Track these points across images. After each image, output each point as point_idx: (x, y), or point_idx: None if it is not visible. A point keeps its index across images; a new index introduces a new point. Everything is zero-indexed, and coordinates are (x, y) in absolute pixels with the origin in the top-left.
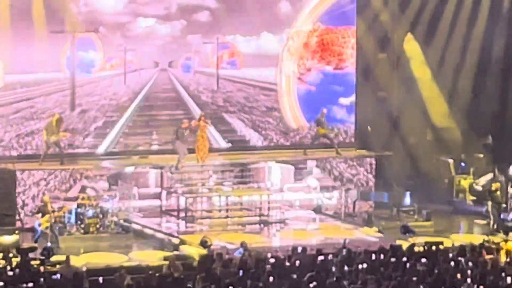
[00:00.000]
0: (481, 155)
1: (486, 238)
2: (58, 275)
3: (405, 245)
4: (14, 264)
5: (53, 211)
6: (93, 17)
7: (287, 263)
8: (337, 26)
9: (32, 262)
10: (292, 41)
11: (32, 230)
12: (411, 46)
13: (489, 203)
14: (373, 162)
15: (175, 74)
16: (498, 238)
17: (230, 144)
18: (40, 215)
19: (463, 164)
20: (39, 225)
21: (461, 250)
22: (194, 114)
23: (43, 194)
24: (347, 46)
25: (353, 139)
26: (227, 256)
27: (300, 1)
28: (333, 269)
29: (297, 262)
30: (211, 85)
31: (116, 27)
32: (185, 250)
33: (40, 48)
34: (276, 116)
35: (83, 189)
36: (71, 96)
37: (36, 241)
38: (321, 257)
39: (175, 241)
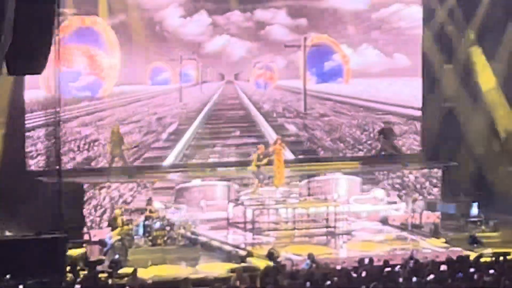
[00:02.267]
0: None
1: None
2: None
3: (472, 255)
4: (81, 277)
5: (123, 224)
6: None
7: (354, 275)
8: None
9: (100, 275)
10: None
11: (101, 243)
12: (477, 57)
13: None
14: (440, 172)
15: (241, 86)
16: None
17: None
18: (110, 228)
19: None
20: (110, 238)
21: None
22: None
23: (113, 207)
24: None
25: (419, 149)
26: (294, 268)
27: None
28: (400, 280)
29: (364, 273)
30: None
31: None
32: (252, 262)
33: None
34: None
35: (150, 202)
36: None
37: (105, 254)
38: (388, 268)
39: (242, 253)
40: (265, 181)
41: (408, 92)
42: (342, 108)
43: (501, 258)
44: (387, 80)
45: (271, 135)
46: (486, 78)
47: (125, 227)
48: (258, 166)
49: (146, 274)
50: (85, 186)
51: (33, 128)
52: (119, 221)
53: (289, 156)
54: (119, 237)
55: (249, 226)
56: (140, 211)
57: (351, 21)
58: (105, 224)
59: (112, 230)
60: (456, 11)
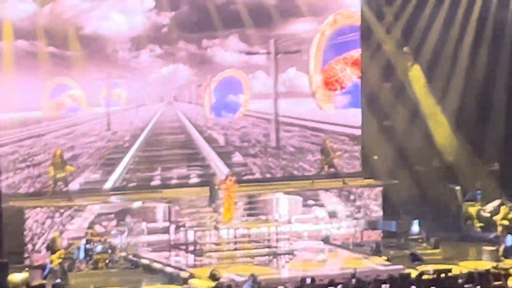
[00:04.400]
0: (487, 182)
1: (494, 264)
2: None
3: (413, 273)
4: None
5: (63, 248)
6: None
7: None
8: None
9: None
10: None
11: (42, 267)
12: (415, 74)
13: (498, 229)
14: (380, 191)
15: (180, 108)
16: (507, 264)
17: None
18: (49, 252)
19: (479, 192)
20: (50, 262)
21: (470, 277)
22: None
23: (52, 231)
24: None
25: (359, 168)
26: None
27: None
28: None
29: None
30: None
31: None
32: (194, 283)
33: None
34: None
35: (91, 225)
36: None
37: (45, 278)
38: None
39: (184, 275)
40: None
41: (348, 110)
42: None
43: (443, 275)
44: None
45: (212, 157)
46: (425, 96)
47: (63, 250)
48: (215, 201)
49: None
50: (26, 210)
51: None
52: (57, 244)
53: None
54: (58, 261)
55: (191, 247)
56: (82, 234)
57: (296, 45)
58: (45, 248)
59: (51, 254)
60: (394, 29)
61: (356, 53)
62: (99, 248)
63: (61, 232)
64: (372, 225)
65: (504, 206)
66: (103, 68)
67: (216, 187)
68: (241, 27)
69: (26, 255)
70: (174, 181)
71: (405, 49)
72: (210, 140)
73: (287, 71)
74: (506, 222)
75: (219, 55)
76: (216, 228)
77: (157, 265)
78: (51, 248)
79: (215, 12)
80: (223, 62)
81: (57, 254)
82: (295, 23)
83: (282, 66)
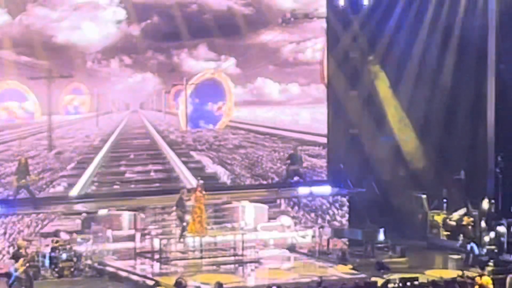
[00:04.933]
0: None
1: (460, 273)
2: None
3: (380, 281)
4: None
5: (28, 255)
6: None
7: None
8: None
9: None
10: None
11: (7, 275)
12: (381, 82)
13: (463, 237)
14: (347, 198)
15: (146, 116)
16: (473, 272)
17: (201, 181)
18: (14, 260)
19: (445, 200)
20: (15, 270)
21: (436, 285)
22: (166, 155)
23: (17, 238)
24: None
25: (325, 177)
26: None
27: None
28: None
29: None
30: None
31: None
32: None
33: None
34: (241, 153)
35: (56, 233)
36: (48, 138)
37: (10, 286)
38: None
39: (150, 283)
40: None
41: (313, 118)
42: (255, 137)
43: (408, 283)
44: (293, 108)
45: (180, 168)
46: (390, 103)
47: (29, 257)
48: (182, 211)
49: None
50: None
51: None
52: (23, 252)
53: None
54: (23, 269)
55: (156, 255)
56: (46, 242)
57: (262, 56)
58: (11, 256)
59: (16, 261)
60: (360, 38)
61: None
62: (64, 256)
63: (26, 240)
64: (338, 233)
65: (467, 216)
66: (70, 77)
67: (185, 198)
68: (210, 36)
69: None
70: (139, 189)
71: (370, 57)
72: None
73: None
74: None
75: (187, 64)
76: (182, 237)
77: (122, 273)
78: (16, 256)
79: (185, 22)
80: (191, 70)
81: (21, 261)
82: (264, 34)
83: (251, 75)
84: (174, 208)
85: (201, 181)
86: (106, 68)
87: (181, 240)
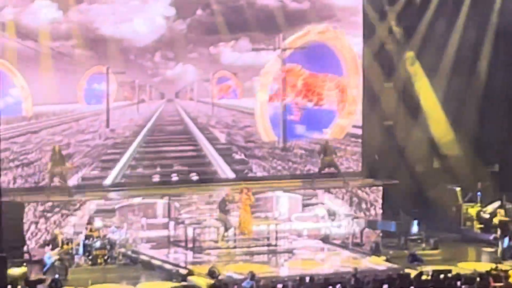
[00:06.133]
0: (488, 183)
1: (493, 266)
2: None
3: (413, 273)
4: None
5: (63, 244)
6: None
7: None
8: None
9: None
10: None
11: (40, 262)
12: (417, 74)
13: (496, 231)
14: (380, 190)
15: (182, 105)
16: (506, 265)
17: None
18: (50, 247)
19: (479, 193)
20: (49, 257)
21: (469, 278)
22: (201, 144)
23: (52, 226)
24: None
25: (360, 168)
26: (235, 287)
27: None
28: None
29: None
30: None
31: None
32: (193, 280)
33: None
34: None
35: (90, 221)
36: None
37: (45, 273)
38: (329, 287)
39: (183, 271)
40: (229, 230)
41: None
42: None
43: (442, 275)
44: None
45: (213, 155)
46: (426, 96)
47: (65, 246)
48: (225, 213)
49: None
50: (25, 205)
51: None
52: (58, 240)
53: (231, 175)
54: (58, 257)
55: (190, 244)
56: (81, 230)
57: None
58: (45, 243)
59: (52, 249)
60: (396, 28)
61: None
62: (98, 244)
63: (61, 228)
64: (371, 225)
65: (501, 209)
66: (110, 67)
67: (228, 199)
68: (251, 31)
69: (25, 250)
70: (174, 178)
71: (408, 53)
72: (211, 138)
73: None
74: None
75: (227, 56)
76: (223, 239)
77: (156, 262)
78: (52, 244)
79: (228, 16)
80: (231, 63)
81: (56, 250)
82: (301, 29)
83: None
84: (217, 211)
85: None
86: (150, 62)
87: (222, 241)
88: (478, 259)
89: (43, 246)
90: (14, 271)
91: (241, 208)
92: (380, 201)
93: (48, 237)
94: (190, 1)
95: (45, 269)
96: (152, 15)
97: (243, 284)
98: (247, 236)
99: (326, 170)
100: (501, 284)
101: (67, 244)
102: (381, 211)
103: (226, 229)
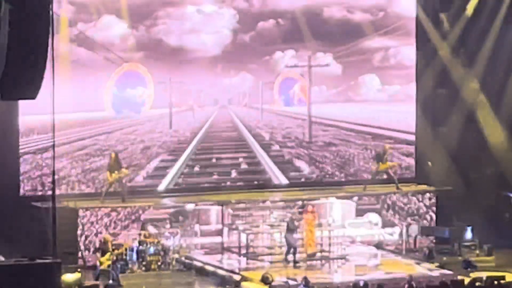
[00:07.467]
0: None
1: None
2: None
3: (466, 280)
4: None
5: (114, 249)
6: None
7: None
8: None
9: None
10: None
11: (94, 268)
12: (470, 80)
13: None
14: (434, 197)
15: (235, 111)
16: None
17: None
18: (100, 253)
19: None
20: (100, 263)
21: None
22: (254, 150)
23: (104, 232)
24: None
25: (413, 174)
26: None
27: None
28: None
29: None
30: (271, 121)
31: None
32: (246, 286)
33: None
34: (332, 151)
35: (144, 226)
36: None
37: (97, 279)
38: None
39: (237, 277)
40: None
41: (401, 116)
42: (347, 134)
43: (495, 282)
44: (382, 105)
45: (268, 163)
46: (478, 101)
47: (116, 251)
48: (291, 232)
49: None
50: (79, 210)
51: (27, 153)
52: (109, 245)
53: (284, 180)
54: (109, 262)
55: (243, 250)
56: (134, 236)
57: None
58: (96, 248)
59: (103, 255)
60: (450, 35)
61: None
62: (151, 249)
63: (113, 234)
64: (425, 231)
65: None
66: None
67: (294, 219)
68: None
69: (79, 255)
70: (228, 184)
71: (459, 55)
72: (264, 145)
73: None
74: None
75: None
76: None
77: (209, 268)
78: (102, 249)
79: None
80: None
81: (106, 255)
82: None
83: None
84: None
85: (310, 205)
86: (211, 72)
87: (287, 261)
88: None
89: (95, 251)
90: (68, 277)
91: (306, 230)
92: (434, 207)
93: (99, 243)
94: (253, 14)
95: (97, 274)
96: (219, 28)
97: None
98: (310, 252)
99: (380, 176)
100: None
101: (118, 249)
102: (434, 217)
103: (290, 251)
